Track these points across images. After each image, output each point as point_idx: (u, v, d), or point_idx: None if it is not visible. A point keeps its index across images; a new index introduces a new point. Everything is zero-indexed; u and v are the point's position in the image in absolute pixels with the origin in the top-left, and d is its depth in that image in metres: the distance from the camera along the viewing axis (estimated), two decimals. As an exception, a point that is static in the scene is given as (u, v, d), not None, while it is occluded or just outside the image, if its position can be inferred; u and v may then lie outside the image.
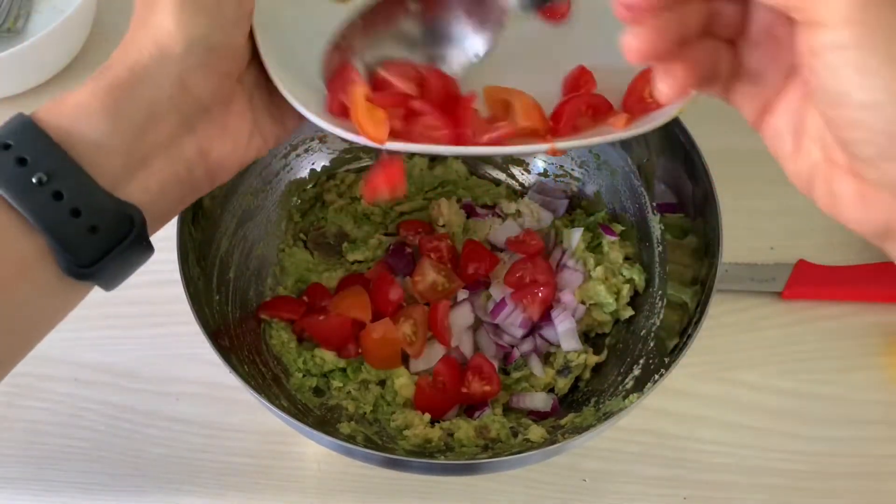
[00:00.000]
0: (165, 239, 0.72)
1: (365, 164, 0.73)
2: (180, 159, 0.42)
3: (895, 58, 0.29)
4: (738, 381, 0.67)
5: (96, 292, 0.70)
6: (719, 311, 0.69)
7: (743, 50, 0.36)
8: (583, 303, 0.66)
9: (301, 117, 0.44)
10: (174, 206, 0.44)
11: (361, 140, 0.42)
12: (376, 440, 0.58)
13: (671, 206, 0.64)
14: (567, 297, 0.65)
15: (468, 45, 0.46)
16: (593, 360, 0.64)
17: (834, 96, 0.31)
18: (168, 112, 0.41)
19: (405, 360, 0.64)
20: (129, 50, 0.40)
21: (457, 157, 0.71)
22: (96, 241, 0.39)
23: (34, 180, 0.37)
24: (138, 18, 0.41)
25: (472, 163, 0.74)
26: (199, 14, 0.40)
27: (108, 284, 0.42)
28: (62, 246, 0.38)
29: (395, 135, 0.42)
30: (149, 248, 0.43)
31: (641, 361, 0.60)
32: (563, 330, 0.63)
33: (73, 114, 0.39)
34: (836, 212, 0.35)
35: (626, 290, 0.65)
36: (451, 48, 0.46)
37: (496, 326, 0.66)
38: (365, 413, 0.62)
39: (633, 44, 0.33)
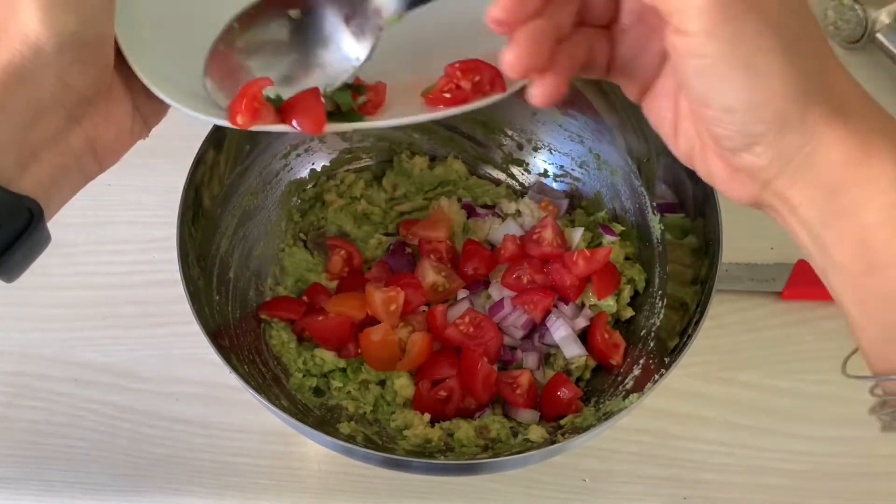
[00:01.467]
0: (165, 239, 0.72)
1: (365, 163, 0.73)
2: (68, 151, 0.43)
3: (751, 69, 0.32)
4: (738, 381, 0.67)
5: (96, 292, 0.71)
6: (719, 311, 0.69)
7: (616, 35, 0.38)
8: (582, 304, 0.66)
9: None
10: (67, 193, 0.45)
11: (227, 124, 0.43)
12: (376, 440, 0.58)
13: (671, 206, 0.64)
14: (563, 305, 0.66)
15: (348, 51, 0.46)
16: (593, 360, 0.64)
17: (698, 95, 0.34)
18: (52, 108, 0.41)
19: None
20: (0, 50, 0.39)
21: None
22: None
23: None
24: (1, 18, 0.40)
25: (473, 163, 0.74)
26: (66, 11, 0.39)
27: (10, 276, 0.42)
28: None
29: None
30: (48, 238, 0.43)
31: (641, 361, 0.60)
32: (561, 337, 0.63)
33: None
34: (714, 184, 0.39)
35: (626, 291, 0.65)
36: (332, 54, 0.46)
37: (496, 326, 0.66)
38: (365, 413, 0.62)
39: (512, 61, 0.34)
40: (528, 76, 0.35)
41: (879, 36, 0.81)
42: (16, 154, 0.40)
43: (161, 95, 0.43)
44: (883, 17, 0.80)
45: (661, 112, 0.39)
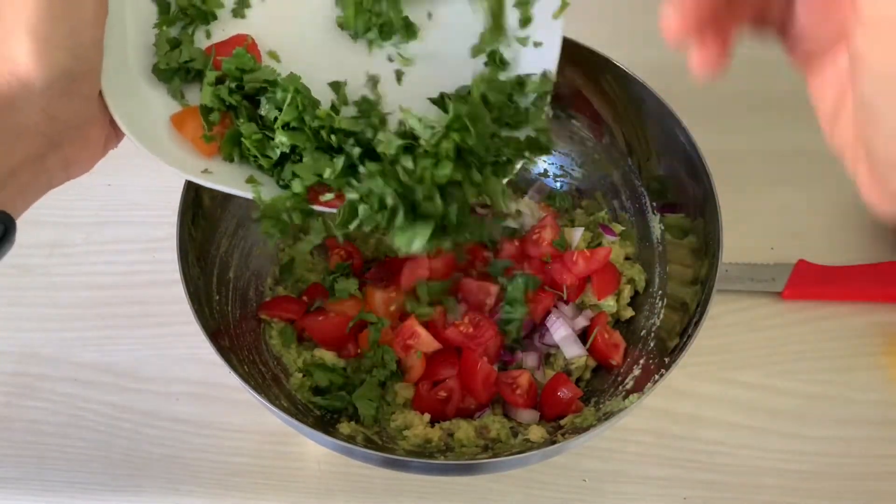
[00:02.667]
0: (165, 239, 0.73)
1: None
2: (43, 169, 0.43)
3: None
4: (738, 381, 0.67)
5: (96, 292, 0.71)
6: (719, 311, 0.69)
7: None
8: (582, 304, 0.66)
9: None
10: (32, 202, 0.46)
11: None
12: (376, 440, 0.58)
13: (671, 206, 0.64)
14: (563, 305, 0.66)
15: None
16: (593, 361, 0.64)
17: (868, 108, 0.28)
18: (35, 135, 0.41)
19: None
20: None
21: None
22: None
23: None
24: None
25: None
26: (59, 48, 0.39)
27: None
28: None
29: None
30: (13, 244, 0.44)
31: (641, 361, 0.60)
32: (561, 337, 0.63)
33: None
34: (857, 183, 0.33)
35: (626, 291, 0.65)
36: None
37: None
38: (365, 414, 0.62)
39: (669, 15, 0.30)
40: (687, 37, 0.31)
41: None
42: None
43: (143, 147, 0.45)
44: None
45: (822, 92, 0.33)
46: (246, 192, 0.46)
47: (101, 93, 0.43)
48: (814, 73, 0.34)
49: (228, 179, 0.47)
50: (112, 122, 0.45)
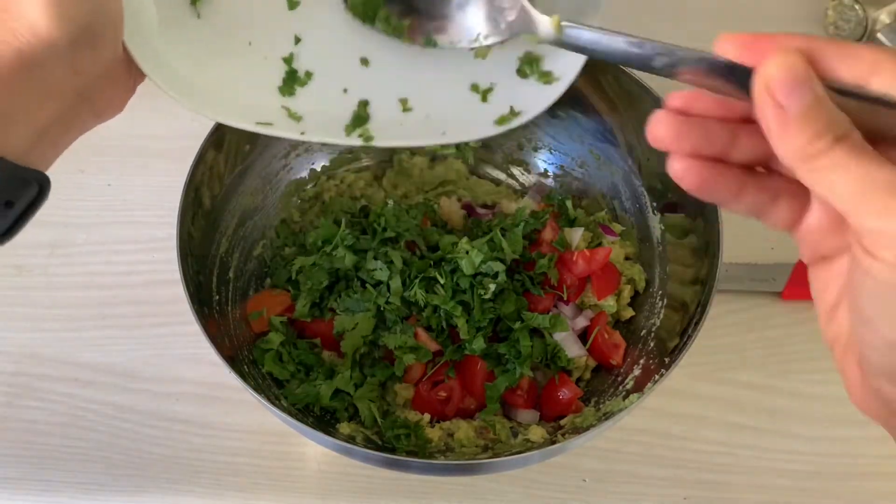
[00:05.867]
0: (165, 239, 0.73)
1: (365, 163, 0.73)
2: (76, 123, 0.44)
3: None
4: (738, 381, 0.67)
5: (96, 292, 0.71)
6: (719, 311, 0.69)
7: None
8: (582, 304, 0.66)
9: None
10: (63, 150, 0.45)
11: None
12: (376, 440, 0.58)
13: (671, 205, 0.64)
14: (563, 305, 0.66)
15: (474, 27, 0.46)
16: (593, 361, 0.64)
17: (863, 314, 0.30)
18: (64, 92, 0.41)
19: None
20: (9, 41, 0.38)
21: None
22: (11, 214, 0.42)
23: None
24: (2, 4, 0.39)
25: (473, 162, 0.74)
26: (76, 5, 0.38)
27: (6, 240, 0.44)
28: None
29: None
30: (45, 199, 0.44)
31: (641, 362, 0.60)
32: (561, 337, 0.63)
33: None
34: (844, 384, 0.36)
35: (626, 291, 0.65)
36: (458, 23, 0.46)
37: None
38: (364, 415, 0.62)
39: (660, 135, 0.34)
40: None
41: (880, 36, 0.81)
42: (28, 133, 0.41)
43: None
44: (883, 17, 0.81)
45: (824, 287, 0.34)
46: (288, 132, 0.45)
47: (124, 47, 0.43)
48: (818, 266, 0.35)
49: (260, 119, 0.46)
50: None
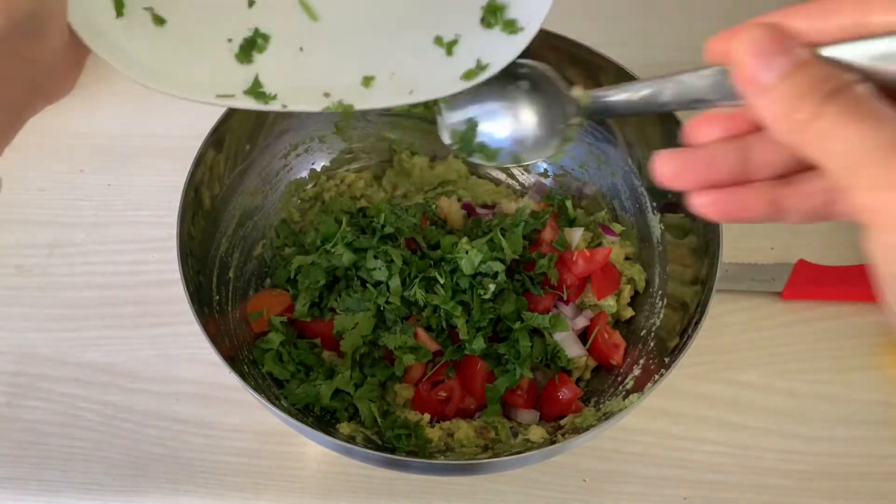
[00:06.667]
0: (165, 239, 0.73)
1: (365, 163, 0.73)
2: (28, 109, 0.44)
3: None
4: (738, 381, 0.67)
5: (96, 292, 0.71)
6: (719, 311, 0.69)
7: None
8: (582, 304, 0.66)
9: None
10: (10, 141, 0.45)
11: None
12: (376, 440, 0.58)
13: (671, 205, 0.64)
14: (563, 305, 0.66)
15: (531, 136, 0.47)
16: (593, 361, 0.64)
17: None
18: (15, 80, 0.41)
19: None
20: None
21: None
22: None
23: None
24: None
25: (473, 162, 0.74)
26: None
27: None
28: None
29: None
30: None
31: (641, 362, 0.60)
32: (561, 337, 0.63)
33: None
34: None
35: (626, 291, 0.65)
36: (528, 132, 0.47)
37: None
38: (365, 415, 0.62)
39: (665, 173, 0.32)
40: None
41: (879, 36, 0.81)
42: None
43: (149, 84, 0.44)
44: (883, 16, 0.80)
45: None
46: (248, 103, 0.45)
47: (70, 28, 0.42)
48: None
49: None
50: (79, 45, 0.45)
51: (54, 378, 0.67)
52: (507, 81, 0.47)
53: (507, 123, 0.47)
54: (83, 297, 0.71)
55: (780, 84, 0.27)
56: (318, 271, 0.63)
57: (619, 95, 0.39)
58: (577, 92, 0.42)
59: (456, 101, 0.48)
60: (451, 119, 0.48)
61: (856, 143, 0.25)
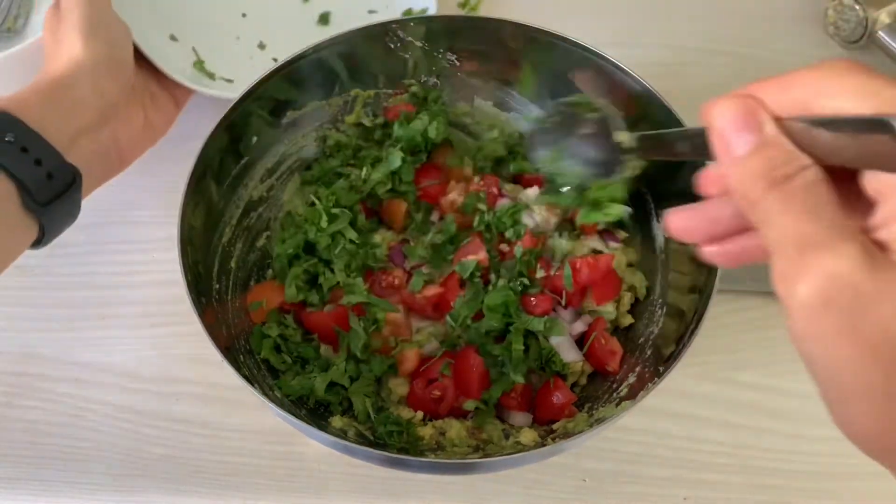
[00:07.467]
0: (165, 239, 0.73)
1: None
2: (99, 141, 0.60)
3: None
4: (738, 381, 0.67)
5: (96, 292, 0.71)
6: (719, 311, 0.68)
7: None
8: (581, 309, 0.66)
9: (177, 105, 0.70)
10: (94, 181, 0.61)
11: None
12: (368, 436, 0.58)
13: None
14: (561, 310, 0.65)
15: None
16: (589, 366, 0.64)
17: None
18: (88, 107, 0.58)
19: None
20: (51, 67, 0.58)
21: None
22: (52, 185, 0.53)
23: (6, 139, 0.51)
24: (50, 46, 0.60)
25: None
26: (98, 40, 0.59)
27: (50, 231, 0.56)
28: (27, 186, 0.51)
29: None
30: (78, 209, 0.58)
31: (637, 369, 0.60)
32: (557, 342, 0.63)
33: (19, 106, 0.53)
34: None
35: (626, 298, 0.65)
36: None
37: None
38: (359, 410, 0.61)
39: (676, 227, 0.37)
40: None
41: (880, 35, 0.81)
42: (65, 135, 0.55)
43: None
44: (883, 16, 0.80)
45: None
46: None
47: (134, 85, 0.64)
48: None
49: None
50: (147, 113, 0.66)
51: (54, 378, 0.67)
52: (579, 122, 0.50)
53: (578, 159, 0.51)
54: (84, 297, 0.71)
55: (745, 160, 0.30)
56: (294, 238, 0.65)
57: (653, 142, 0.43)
58: (623, 137, 0.46)
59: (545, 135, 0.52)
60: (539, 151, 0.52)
61: (780, 233, 0.29)
